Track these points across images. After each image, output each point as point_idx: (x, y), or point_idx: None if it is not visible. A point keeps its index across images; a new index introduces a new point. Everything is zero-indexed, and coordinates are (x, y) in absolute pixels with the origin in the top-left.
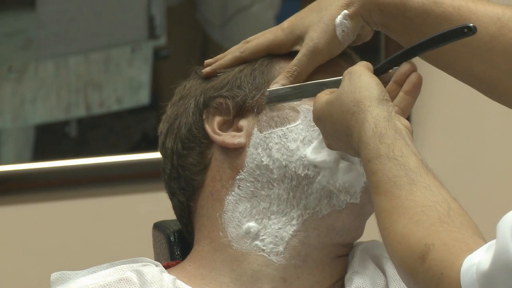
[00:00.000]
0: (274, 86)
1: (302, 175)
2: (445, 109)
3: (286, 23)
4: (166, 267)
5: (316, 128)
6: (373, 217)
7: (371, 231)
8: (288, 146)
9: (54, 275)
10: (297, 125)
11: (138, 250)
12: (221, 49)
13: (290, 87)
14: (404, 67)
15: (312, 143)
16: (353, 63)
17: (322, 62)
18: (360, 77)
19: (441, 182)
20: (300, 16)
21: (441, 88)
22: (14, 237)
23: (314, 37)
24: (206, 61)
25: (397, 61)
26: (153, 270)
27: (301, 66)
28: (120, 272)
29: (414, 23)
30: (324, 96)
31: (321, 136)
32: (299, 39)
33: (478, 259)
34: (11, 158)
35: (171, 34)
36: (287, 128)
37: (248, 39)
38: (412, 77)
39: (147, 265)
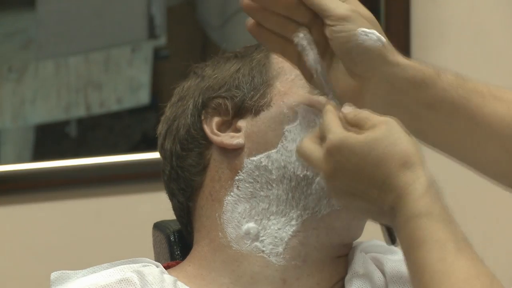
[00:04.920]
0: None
1: (301, 175)
2: None
3: None
4: (166, 267)
5: (315, 128)
6: None
7: (371, 231)
8: (287, 147)
9: (54, 275)
10: (295, 125)
11: (138, 250)
12: (220, 50)
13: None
14: None
15: None
16: None
17: None
18: (402, 132)
19: (482, 260)
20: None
21: None
22: (14, 237)
23: None
24: None
25: None
26: (154, 271)
27: None
28: (121, 272)
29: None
30: (345, 138)
31: None
32: None
33: None
34: (11, 158)
35: (171, 34)
36: (285, 129)
37: None
38: None
39: (148, 265)
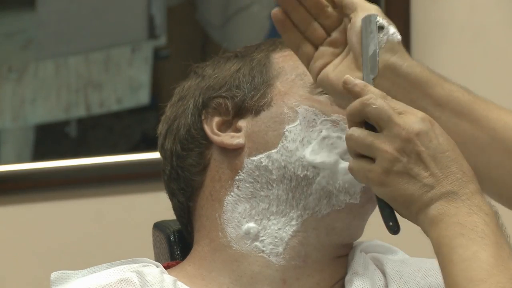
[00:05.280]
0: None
1: (301, 176)
2: None
3: None
4: (166, 267)
5: (315, 128)
6: (372, 217)
7: (371, 231)
8: (287, 147)
9: (54, 275)
10: (296, 125)
11: (138, 250)
12: (221, 49)
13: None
14: None
15: (310, 143)
16: None
17: None
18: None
19: None
20: None
21: None
22: (14, 237)
23: None
24: None
25: None
26: (154, 271)
27: None
28: (121, 272)
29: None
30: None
31: (320, 137)
32: None
33: None
34: (11, 158)
35: (171, 34)
36: (286, 129)
37: None
38: None
39: (148, 265)
